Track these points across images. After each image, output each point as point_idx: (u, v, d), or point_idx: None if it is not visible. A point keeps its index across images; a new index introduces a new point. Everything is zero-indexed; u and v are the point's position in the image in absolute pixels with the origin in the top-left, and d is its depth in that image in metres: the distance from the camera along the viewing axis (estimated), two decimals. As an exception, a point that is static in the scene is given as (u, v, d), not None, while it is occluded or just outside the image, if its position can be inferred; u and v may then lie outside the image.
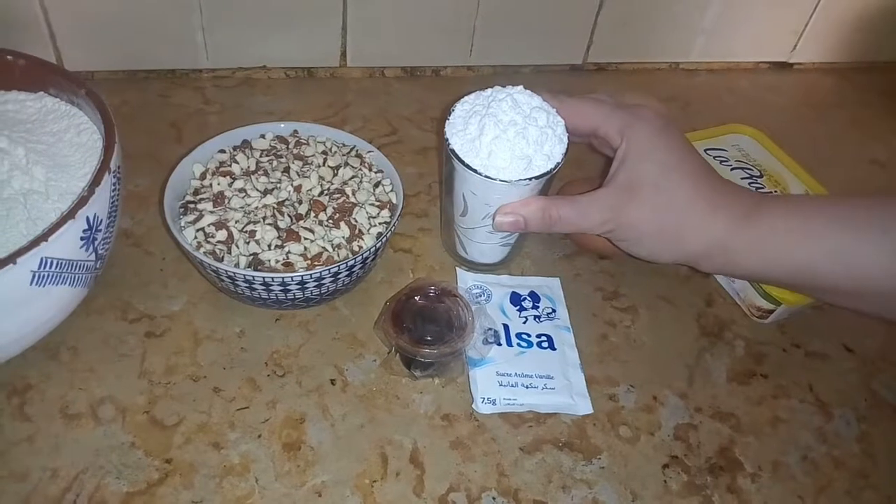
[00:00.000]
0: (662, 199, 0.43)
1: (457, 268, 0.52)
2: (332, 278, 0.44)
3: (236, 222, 0.46)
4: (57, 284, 0.39)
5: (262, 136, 0.52)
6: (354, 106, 0.66)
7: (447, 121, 0.46)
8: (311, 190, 0.49)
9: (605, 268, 0.54)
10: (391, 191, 0.50)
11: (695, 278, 0.54)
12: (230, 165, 0.49)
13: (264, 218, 0.46)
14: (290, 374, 0.45)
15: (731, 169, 0.58)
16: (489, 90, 0.46)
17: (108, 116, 0.44)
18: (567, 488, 0.42)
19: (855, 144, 0.70)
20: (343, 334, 0.47)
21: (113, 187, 0.42)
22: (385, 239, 0.45)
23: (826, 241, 0.42)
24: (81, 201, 0.39)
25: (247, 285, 0.43)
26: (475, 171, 0.43)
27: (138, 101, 0.63)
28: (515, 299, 0.50)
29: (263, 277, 0.42)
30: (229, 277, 0.43)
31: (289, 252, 0.45)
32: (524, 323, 0.49)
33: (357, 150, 0.52)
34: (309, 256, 0.45)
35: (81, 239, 0.40)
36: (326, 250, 0.45)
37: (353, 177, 0.50)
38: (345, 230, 0.46)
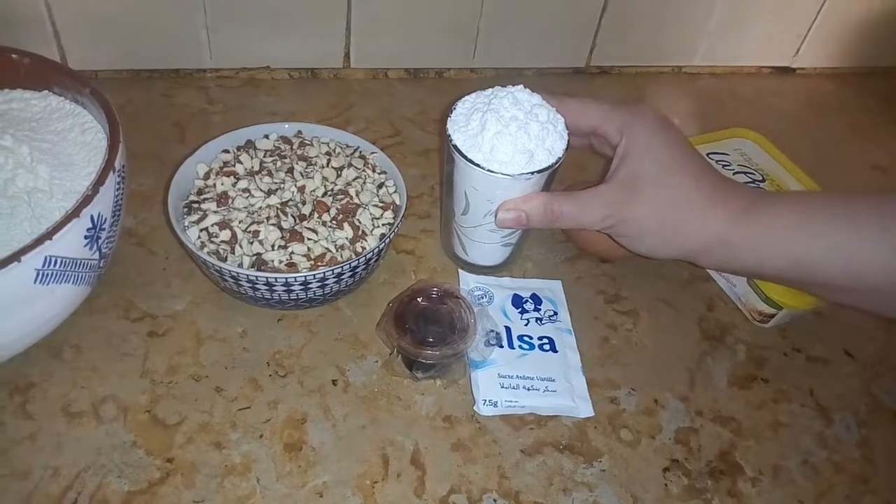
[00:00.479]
0: (663, 195, 0.43)
1: (459, 270, 0.52)
2: (335, 279, 0.44)
3: (240, 222, 0.46)
4: (60, 283, 0.39)
5: (266, 137, 0.52)
6: (358, 107, 0.66)
7: (449, 118, 0.46)
8: (314, 190, 0.49)
9: (606, 271, 0.54)
10: (395, 192, 0.50)
11: (696, 282, 0.54)
12: (234, 165, 0.49)
13: (268, 218, 0.46)
14: (291, 375, 0.45)
15: (734, 173, 0.58)
16: (490, 89, 0.46)
17: (112, 115, 0.44)
18: (568, 491, 0.42)
19: (856, 149, 0.70)
20: (345, 335, 0.48)
21: (117, 186, 0.42)
22: (388, 240, 0.45)
23: (825, 237, 0.42)
24: (86, 200, 0.39)
25: (250, 285, 0.43)
26: (478, 165, 0.43)
27: (142, 100, 0.63)
28: (517, 301, 0.50)
29: (266, 278, 0.42)
30: (232, 277, 0.43)
31: (292, 252, 0.45)
32: (526, 325, 0.49)
33: (361, 151, 0.52)
34: (312, 257, 0.45)
35: (85, 238, 0.40)
36: (330, 251, 0.45)
37: (356, 178, 0.50)
38: (348, 231, 0.46)
